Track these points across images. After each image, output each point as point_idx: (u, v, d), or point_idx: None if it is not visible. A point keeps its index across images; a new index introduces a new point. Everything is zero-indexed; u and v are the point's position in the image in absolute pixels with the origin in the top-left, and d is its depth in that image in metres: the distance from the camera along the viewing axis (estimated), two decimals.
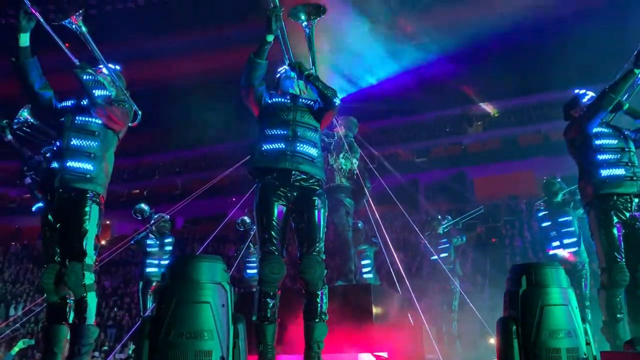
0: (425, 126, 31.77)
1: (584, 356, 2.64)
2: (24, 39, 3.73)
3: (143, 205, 8.85)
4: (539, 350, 2.60)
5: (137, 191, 33.06)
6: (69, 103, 3.98)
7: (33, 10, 3.67)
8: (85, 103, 3.90)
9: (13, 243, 26.13)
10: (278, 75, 4.11)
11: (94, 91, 3.81)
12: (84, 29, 3.89)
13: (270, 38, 3.64)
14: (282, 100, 3.85)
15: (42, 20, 3.78)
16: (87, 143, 3.81)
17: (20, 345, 9.47)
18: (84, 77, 3.84)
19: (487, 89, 27.83)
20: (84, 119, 3.87)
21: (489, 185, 25.77)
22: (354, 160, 5.79)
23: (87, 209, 3.71)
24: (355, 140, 6.11)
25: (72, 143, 3.79)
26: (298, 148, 3.63)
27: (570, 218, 6.78)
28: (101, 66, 4.11)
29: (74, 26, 3.83)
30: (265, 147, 3.69)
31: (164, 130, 30.58)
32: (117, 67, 4.25)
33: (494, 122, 30.26)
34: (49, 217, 3.76)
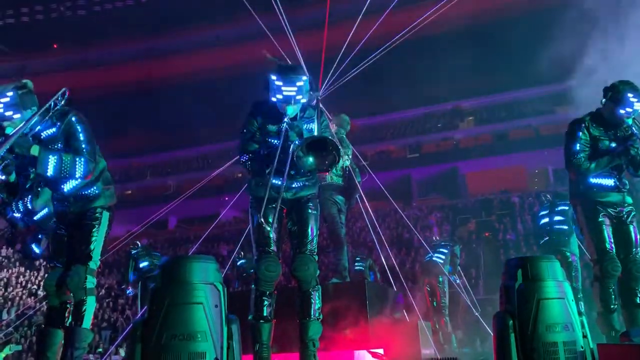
0: (416, 122, 31.83)
1: (581, 349, 2.63)
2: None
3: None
4: (536, 344, 2.58)
5: (130, 192, 32.90)
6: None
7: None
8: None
9: (5, 247, 25.93)
10: (271, 102, 3.77)
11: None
12: None
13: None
14: (274, 131, 3.62)
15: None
16: (76, 182, 3.64)
17: (6, 351, 9.39)
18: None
19: (477, 83, 27.92)
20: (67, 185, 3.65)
21: (481, 179, 25.86)
22: (346, 157, 5.77)
23: (97, 215, 3.71)
24: (347, 138, 6.09)
25: (65, 190, 3.65)
26: (294, 185, 3.64)
27: (566, 209, 6.83)
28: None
29: None
30: (262, 174, 3.60)
31: (155, 130, 30.45)
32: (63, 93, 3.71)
33: (485, 117, 30.38)
34: (61, 228, 3.80)
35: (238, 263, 10.24)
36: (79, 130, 3.56)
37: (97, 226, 3.70)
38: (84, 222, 3.69)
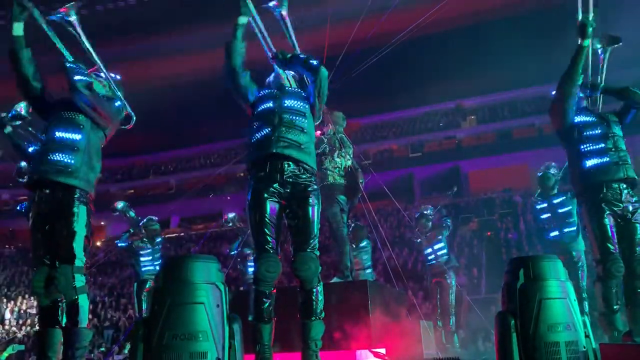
0: (418, 121, 31.84)
1: (583, 349, 2.62)
2: (17, 28, 3.76)
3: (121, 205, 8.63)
4: (538, 344, 2.57)
5: (132, 191, 32.95)
6: (57, 99, 3.93)
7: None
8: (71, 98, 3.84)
9: (7, 246, 26.02)
10: (267, 81, 4.01)
11: (75, 77, 3.74)
12: (77, 24, 3.87)
13: (242, 20, 3.71)
14: (269, 90, 3.82)
15: (37, 14, 3.83)
16: (71, 135, 3.73)
17: (9, 350, 9.41)
18: (69, 65, 3.81)
19: (479, 82, 27.88)
20: (70, 113, 3.80)
21: (483, 178, 25.87)
22: (348, 157, 5.77)
23: (75, 209, 3.63)
24: (348, 136, 6.08)
25: (56, 135, 3.72)
26: (283, 133, 3.55)
27: (570, 208, 6.76)
28: (100, 73, 4.11)
29: (67, 17, 3.88)
30: (253, 138, 3.66)
31: (158, 129, 30.46)
32: (118, 77, 4.23)
33: (487, 116, 30.36)
34: (37, 218, 3.69)
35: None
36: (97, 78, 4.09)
37: (75, 223, 3.62)
38: (62, 219, 3.62)
